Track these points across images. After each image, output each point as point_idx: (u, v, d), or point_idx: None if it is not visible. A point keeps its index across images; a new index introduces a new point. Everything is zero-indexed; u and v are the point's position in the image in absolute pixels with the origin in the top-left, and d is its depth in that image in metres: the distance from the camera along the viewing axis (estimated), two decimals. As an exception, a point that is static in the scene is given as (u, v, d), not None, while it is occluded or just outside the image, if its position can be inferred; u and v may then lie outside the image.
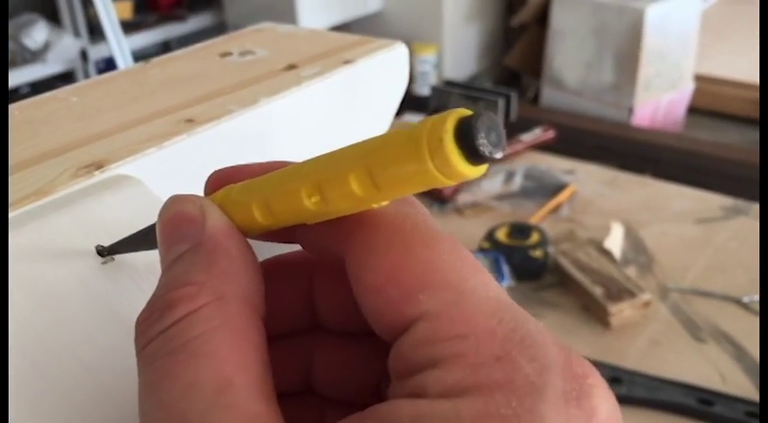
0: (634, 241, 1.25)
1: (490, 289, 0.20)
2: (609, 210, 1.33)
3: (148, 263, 0.29)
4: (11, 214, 0.29)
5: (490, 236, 1.21)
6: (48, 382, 0.25)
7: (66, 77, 2.55)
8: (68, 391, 0.25)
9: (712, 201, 1.36)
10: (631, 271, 1.17)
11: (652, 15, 2.49)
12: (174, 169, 0.34)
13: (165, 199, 0.31)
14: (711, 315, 1.09)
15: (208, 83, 0.41)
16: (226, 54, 0.45)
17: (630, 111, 2.63)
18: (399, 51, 0.44)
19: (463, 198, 1.37)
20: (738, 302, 1.12)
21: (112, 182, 0.32)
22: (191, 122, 0.36)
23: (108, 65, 2.54)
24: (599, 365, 0.98)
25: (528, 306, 1.12)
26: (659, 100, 2.65)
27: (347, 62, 0.42)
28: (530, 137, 1.52)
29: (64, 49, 2.37)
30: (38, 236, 0.28)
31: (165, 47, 2.85)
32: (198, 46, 0.47)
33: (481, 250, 1.19)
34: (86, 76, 2.49)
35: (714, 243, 1.25)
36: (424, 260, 0.20)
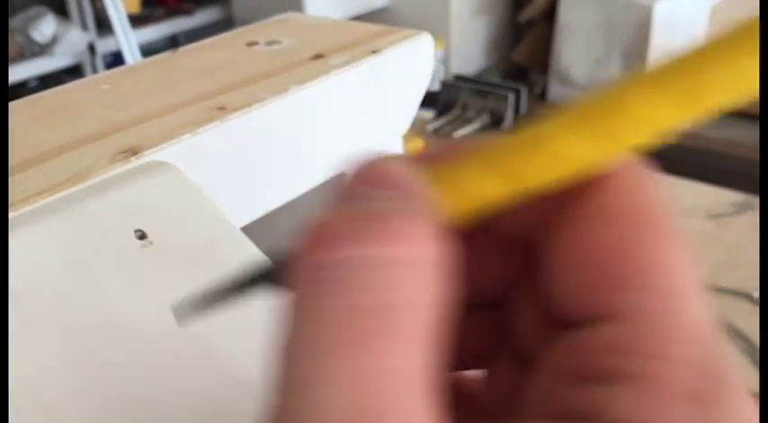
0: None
1: (703, 312, 0.17)
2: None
3: (188, 246, 0.30)
4: (50, 198, 0.30)
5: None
6: (97, 368, 0.25)
7: (73, 71, 2.54)
8: (116, 378, 0.26)
9: (723, 196, 1.36)
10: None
11: (660, 11, 2.48)
12: (207, 155, 0.35)
13: (200, 185, 0.31)
14: (722, 310, 1.09)
15: (236, 71, 0.41)
16: (252, 43, 0.45)
17: (638, 107, 2.62)
18: (425, 41, 0.44)
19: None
20: (749, 298, 1.12)
21: (149, 167, 0.32)
22: (222, 110, 0.36)
23: (115, 58, 2.53)
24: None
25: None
26: (667, 96, 2.64)
27: (374, 52, 0.42)
28: (540, 132, 1.52)
29: (72, 42, 2.37)
30: (79, 220, 0.29)
31: (173, 41, 2.84)
32: (224, 35, 0.47)
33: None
34: (94, 69, 2.49)
35: (725, 238, 1.25)
36: (652, 251, 0.17)
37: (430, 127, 1.56)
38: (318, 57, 0.42)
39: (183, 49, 0.45)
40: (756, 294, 1.12)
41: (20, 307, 0.26)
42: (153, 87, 0.39)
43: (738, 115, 2.76)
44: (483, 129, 1.54)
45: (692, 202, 1.33)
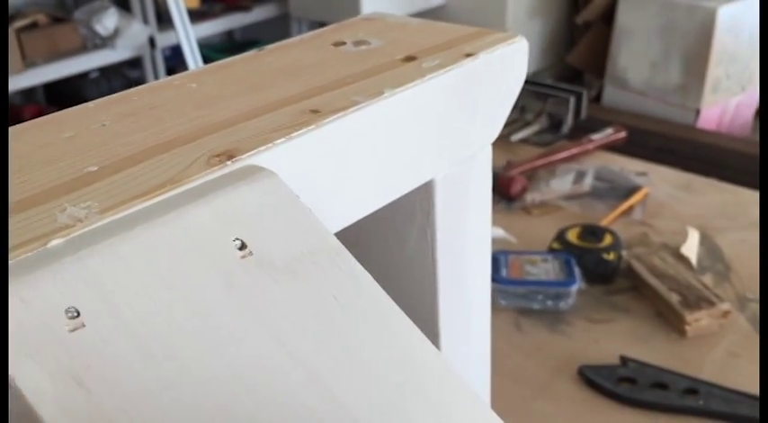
0: (710, 248, 1.21)
1: None
2: (683, 214, 1.29)
3: (288, 260, 0.28)
4: (146, 203, 0.28)
5: (561, 237, 1.18)
6: (196, 383, 0.24)
7: (133, 64, 2.58)
8: (214, 394, 0.24)
9: (793, 209, 1.31)
10: (708, 279, 1.14)
11: (724, 15, 2.42)
12: (301, 160, 0.33)
13: (297, 191, 0.30)
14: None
15: (326, 72, 0.40)
16: (339, 43, 0.44)
17: (697, 113, 2.56)
18: (520, 45, 0.42)
19: (531, 197, 1.34)
20: (822, 316, 1.07)
21: (247, 173, 0.30)
22: (316, 113, 0.35)
23: (174, 52, 2.56)
24: (675, 375, 0.95)
25: (599, 310, 1.09)
26: (727, 103, 2.57)
27: (468, 55, 0.40)
28: (600, 136, 1.48)
29: (133, 35, 2.40)
30: (178, 227, 0.27)
31: (229, 36, 2.87)
32: (308, 35, 0.45)
33: (551, 251, 1.16)
34: (153, 62, 2.52)
35: (795, 253, 1.20)
36: None
37: (488, 129, 1.53)
38: (410, 59, 0.41)
39: (267, 49, 0.43)
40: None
41: (118, 317, 0.25)
42: (242, 87, 0.38)
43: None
44: (541, 132, 1.51)
45: (758, 213, 1.29)
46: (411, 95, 0.37)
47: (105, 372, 0.24)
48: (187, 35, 2.19)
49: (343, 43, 0.44)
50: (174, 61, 2.63)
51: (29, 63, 2.32)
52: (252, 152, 0.32)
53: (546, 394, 0.98)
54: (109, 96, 0.38)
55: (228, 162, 0.31)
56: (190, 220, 0.28)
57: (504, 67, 0.42)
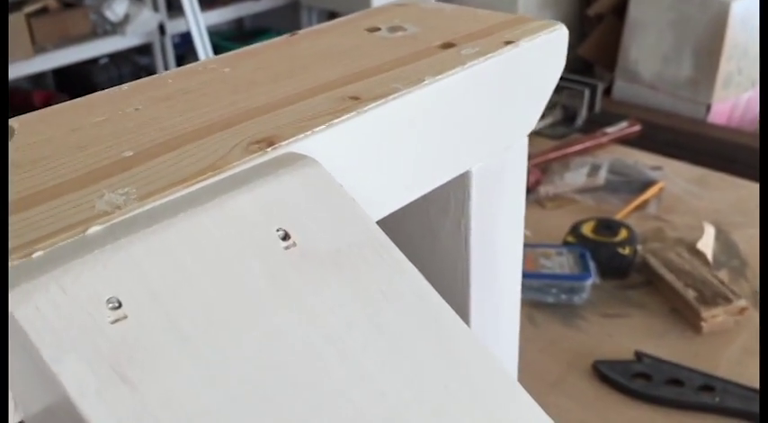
0: (726, 244, 1.20)
1: None
2: (699, 209, 1.28)
3: (333, 251, 0.27)
4: (187, 190, 0.27)
5: (575, 230, 1.17)
6: (240, 375, 0.23)
7: (143, 50, 2.57)
8: (259, 386, 0.23)
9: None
10: (724, 275, 1.12)
11: (737, 9, 2.40)
12: (342, 148, 0.32)
13: (338, 179, 0.29)
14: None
15: (362, 58, 0.38)
16: (373, 29, 0.42)
17: (707, 108, 2.54)
18: (560, 33, 0.41)
19: (545, 190, 1.33)
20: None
21: (288, 160, 0.29)
22: (356, 100, 0.34)
23: (184, 39, 2.55)
24: (690, 372, 0.94)
25: (613, 305, 1.08)
26: (738, 98, 2.55)
27: (508, 43, 0.39)
28: (615, 130, 1.47)
29: (143, 22, 2.39)
30: (220, 215, 0.26)
31: (239, 24, 2.85)
32: (341, 20, 0.44)
33: (566, 244, 1.15)
34: (163, 49, 2.51)
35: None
36: None
37: (501, 120, 1.52)
38: (448, 46, 0.39)
39: (301, 34, 0.42)
40: None
41: (160, 308, 0.24)
42: (277, 73, 0.37)
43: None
44: (555, 125, 1.50)
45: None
46: (452, 83, 0.36)
47: (148, 365, 0.23)
48: (197, 22, 2.17)
49: (378, 29, 0.42)
50: (184, 48, 2.62)
51: (38, 48, 2.31)
52: (292, 139, 0.31)
53: (559, 389, 0.97)
54: (140, 80, 0.37)
55: (268, 149, 0.30)
56: (232, 207, 0.27)
57: (545, 56, 0.41)
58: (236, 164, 0.29)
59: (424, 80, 0.35)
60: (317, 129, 0.31)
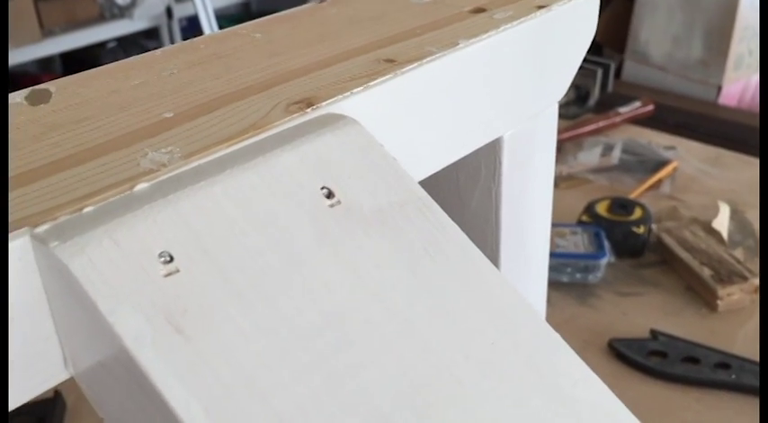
0: (741, 223, 1.20)
1: None
2: (713, 189, 1.27)
3: (376, 210, 0.27)
4: (232, 148, 0.27)
5: (590, 209, 1.17)
6: (292, 331, 0.23)
7: (150, 34, 2.56)
8: (310, 342, 0.23)
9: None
10: (739, 254, 1.12)
11: (749, -11, 2.37)
12: (379, 109, 0.32)
13: (378, 140, 0.29)
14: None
15: (394, 23, 0.38)
16: (402, -5, 0.42)
17: (718, 89, 2.52)
18: (591, -1, 0.41)
19: (558, 169, 1.32)
20: None
21: (329, 120, 0.29)
22: (391, 62, 0.33)
23: (191, 23, 2.54)
24: (706, 349, 0.94)
25: (628, 284, 1.08)
26: (749, 79, 2.54)
27: (541, 7, 0.39)
28: (628, 110, 1.46)
29: (150, 5, 2.39)
30: (265, 173, 0.26)
31: (246, 7, 2.84)
32: (369, -14, 0.44)
33: (581, 223, 1.15)
34: (171, 33, 2.50)
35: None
36: None
37: (513, 101, 1.52)
38: (479, 10, 0.39)
39: (329, 1, 0.42)
40: None
41: (211, 262, 0.24)
42: (309, 38, 0.37)
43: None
44: (567, 104, 1.49)
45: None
46: (486, 47, 0.36)
47: (201, 317, 0.23)
48: (204, 6, 2.17)
49: (406, -5, 0.42)
50: (191, 32, 2.61)
51: (46, 32, 2.30)
52: (331, 100, 0.31)
53: (575, 367, 0.97)
54: (172, 45, 0.37)
55: (308, 110, 0.30)
56: (277, 165, 0.27)
57: (577, 20, 0.40)
58: (277, 123, 0.29)
59: (458, 44, 0.35)
60: (355, 90, 0.31)
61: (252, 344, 0.23)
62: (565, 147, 1.38)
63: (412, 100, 0.34)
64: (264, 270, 0.24)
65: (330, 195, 0.27)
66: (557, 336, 0.27)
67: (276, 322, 0.23)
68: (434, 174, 0.38)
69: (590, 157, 1.34)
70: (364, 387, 0.23)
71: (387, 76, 0.32)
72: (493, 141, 0.39)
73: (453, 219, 0.44)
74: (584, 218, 1.16)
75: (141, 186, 0.25)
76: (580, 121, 1.45)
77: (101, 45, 2.49)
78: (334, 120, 0.29)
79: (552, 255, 1.10)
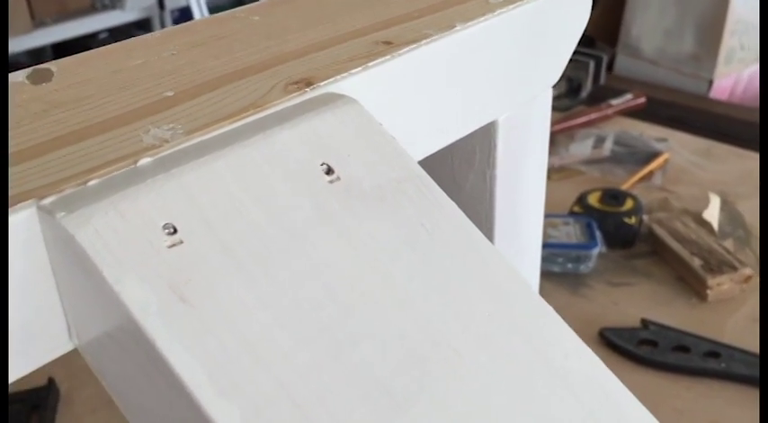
0: (731, 214, 1.21)
1: None
2: (704, 180, 1.28)
3: (375, 186, 0.28)
4: (232, 126, 0.28)
5: (582, 200, 1.17)
6: (295, 304, 0.24)
7: (142, 25, 2.56)
8: (313, 315, 0.24)
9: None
10: (729, 245, 1.13)
11: (741, -17, 2.38)
12: (377, 90, 0.33)
13: (378, 119, 0.29)
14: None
15: (391, 6, 0.39)
16: (399, -20, 0.42)
17: (709, 83, 2.53)
18: (585, -16, 0.41)
19: (551, 161, 1.33)
20: None
21: (328, 99, 0.30)
22: (389, 44, 0.34)
23: (183, 14, 2.54)
24: (696, 338, 0.95)
25: (619, 274, 1.09)
26: (740, 73, 2.55)
27: (536, -8, 0.39)
28: (620, 102, 1.47)
29: (142, -3, 2.38)
30: (266, 149, 0.27)
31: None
32: (366, -28, 0.44)
33: (573, 214, 1.16)
34: (162, 24, 2.50)
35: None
36: None
37: (506, 93, 1.52)
38: (475, -5, 0.40)
39: (327, -16, 0.42)
40: None
41: (214, 235, 0.24)
42: (307, 20, 0.37)
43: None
44: (560, 97, 1.50)
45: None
46: (481, 30, 0.36)
47: (205, 287, 0.23)
48: (197, -4, 2.17)
49: (403, -20, 0.43)
50: (183, 23, 2.60)
51: (38, 23, 2.30)
52: (329, 80, 0.31)
53: (567, 355, 0.98)
54: (171, 27, 0.37)
55: (307, 89, 0.30)
56: (277, 142, 0.27)
57: (570, 5, 0.41)
58: (276, 102, 0.29)
59: (454, 26, 0.36)
60: (354, 70, 0.32)
61: (254, 314, 0.23)
62: (557, 138, 1.39)
63: (409, 81, 0.34)
64: (266, 243, 0.25)
65: (329, 172, 0.27)
66: (550, 309, 0.27)
67: (277, 294, 0.24)
68: (430, 156, 0.39)
69: (582, 148, 1.35)
70: (364, 357, 0.24)
71: (385, 58, 0.33)
72: (488, 125, 0.40)
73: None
74: (576, 209, 1.16)
75: (145, 161, 0.26)
76: (572, 114, 1.45)
77: (92, 36, 2.48)
78: (333, 99, 0.30)
79: (544, 245, 1.11)
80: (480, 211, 0.43)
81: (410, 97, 0.35)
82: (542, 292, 1.06)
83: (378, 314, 0.25)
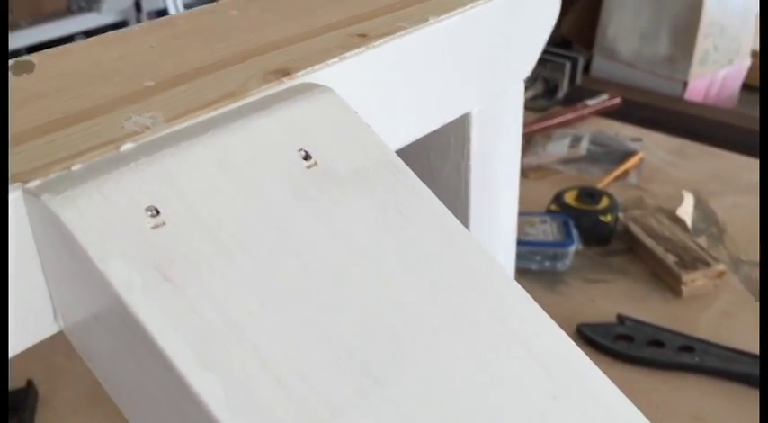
0: (704, 212, 1.23)
1: None
2: (678, 179, 1.30)
3: (352, 170, 0.29)
4: (211, 114, 0.29)
5: (558, 199, 1.19)
6: (277, 287, 0.24)
7: (119, 27, 2.55)
8: (294, 297, 0.25)
9: (783, 174, 1.33)
10: (702, 241, 1.15)
11: (713, -13, 2.42)
12: (353, 81, 0.34)
13: (353, 109, 0.30)
14: (777, 284, 1.07)
15: (366, 1, 0.40)
16: (374, -24, 0.43)
17: (684, 85, 2.57)
18: (555, -19, 0.43)
19: (528, 161, 1.35)
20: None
21: (304, 89, 0.31)
22: (364, 37, 0.35)
23: (160, 16, 2.53)
24: (671, 333, 0.97)
25: (595, 271, 1.10)
26: (715, 75, 2.59)
27: (508, -12, 0.41)
28: (596, 102, 1.49)
29: (118, -1, 2.37)
30: (245, 136, 0.27)
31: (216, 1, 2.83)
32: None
33: (549, 212, 1.17)
34: (140, 26, 2.49)
35: (785, 216, 1.22)
36: None
37: (484, 94, 1.54)
38: (450, -10, 0.41)
39: (304, -20, 0.43)
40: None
41: (195, 217, 0.25)
42: (283, 15, 0.38)
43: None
44: (536, 97, 1.52)
45: (752, 178, 1.31)
46: (455, 23, 0.37)
47: (187, 267, 0.24)
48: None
49: (378, -24, 0.44)
50: (161, 25, 2.59)
51: (12, 25, 2.28)
52: (306, 70, 0.32)
53: (545, 351, 1.00)
54: (150, 21, 0.38)
55: (284, 79, 0.31)
56: (256, 129, 0.28)
57: (542, 1, 0.42)
58: (254, 91, 0.30)
59: (428, 19, 0.37)
60: (330, 61, 0.33)
61: (235, 292, 0.24)
62: (534, 138, 1.41)
63: (384, 72, 0.35)
64: (245, 225, 0.25)
65: (307, 157, 0.28)
66: (523, 291, 0.28)
67: (257, 272, 0.25)
68: (405, 148, 0.39)
69: (559, 148, 1.36)
70: (341, 331, 0.24)
71: (359, 49, 0.34)
72: (461, 117, 0.41)
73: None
74: (553, 207, 1.18)
75: (127, 146, 0.26)
76: (549, 114, 1.47)
77: (68, 39, 2.47)
78: (310, 88, 0.31)
79: (521, 243, 1.12)
80: (456, 202, 0.44)
81: (385, 88, 0.35)
82: (520, 289, 1.06)
83: (354, 292, 0.26)
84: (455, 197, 0.44)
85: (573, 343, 0.28)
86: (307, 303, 0.25)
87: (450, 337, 0.26)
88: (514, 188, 0.46)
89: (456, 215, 0.45)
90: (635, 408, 0.27)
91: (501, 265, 0.28)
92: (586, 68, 2.72)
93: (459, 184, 0.43)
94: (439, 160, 0.44)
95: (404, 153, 0.39)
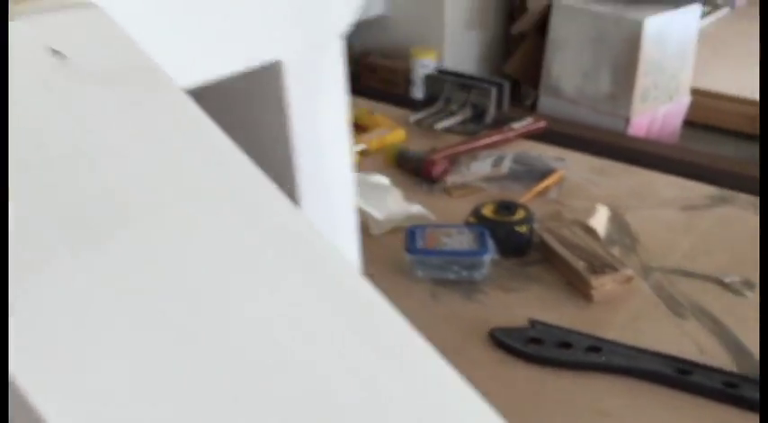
0: (619, 224, 1.26)
1: None
2: (597, 195, 1.34)
3: (104, 69, 0.31)
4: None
5: (477, 212, 1.22)
6: (32, 184, 0.26)
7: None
8: (27, 171, 0.27)
9: (699, 190, 1.37)
10: (615, 251, 1.18)
11: (650, 27, 2.52)
12: (132, 5, 0.35)
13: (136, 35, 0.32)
14: (693, 293, 1.09)
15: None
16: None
17: (627, 121, 2.64)
18: None
19: (452, 179, 1.38)
20: (720, 282, 1.12)
21: (70, 4, 0.33)
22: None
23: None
24: (579, 335, 0.99)
25: (512, 280, 1.13)
26: (656, 111, 2.67)
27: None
28: (521, 125, 1.54)
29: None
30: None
31: None
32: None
33: (467, 224, 1.20)
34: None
35: (699, 228, 1.26)
36: None
37: (412, 118, 1.58)
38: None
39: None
40: (728, 279, 1.12)
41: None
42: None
43: (724, 132, 2.77)
44: (465, 122, 1.56)
45: (667, 194, 1.35)
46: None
47: None
48: None
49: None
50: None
51: None
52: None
53: (459, 356, 1.00)
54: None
55: (58, -4, 0.33)
56: (13, 32, 0.30)
57: None
58: (23, 6, 0.32)
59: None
60: (110, -14, 0.35)
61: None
62: (460, 159, 1.44)
63: (176, 4, 0.37)
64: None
65: (60, 57, 0.30)
66: (261, 174, 0.30)
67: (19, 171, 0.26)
68: (227, 98, 0.42)
69: (482, 167, 1.40)
70: (71, 199, 0.26)
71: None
72: (275, 65, 0.44)
73: (248, 139, 0.47)
74: (471, 219, 1.21)
75: None
76: (476, 136, 1.51)
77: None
78: (76, 4, 0.33)
79: (438, 252, 1.14)
80: (279, 149, 0.46)
81: (174, 16, 0.38)
82: (437, 299, 1.09)
83: (88, 167, 0.27)
84: (280, 145, 0.46)
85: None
86: (40, 172, 0.27)
87: (183, 210, 0.28)
88: (344, 148, 0.49)
89: (283, 160, 0.47)
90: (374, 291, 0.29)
91: (242, 155, 0.30)
92: (533, 106, 2.78)
93: (282, 132, 0.46)
94: (259, 109, 0.46)
95: (226, 101, 0.42)
